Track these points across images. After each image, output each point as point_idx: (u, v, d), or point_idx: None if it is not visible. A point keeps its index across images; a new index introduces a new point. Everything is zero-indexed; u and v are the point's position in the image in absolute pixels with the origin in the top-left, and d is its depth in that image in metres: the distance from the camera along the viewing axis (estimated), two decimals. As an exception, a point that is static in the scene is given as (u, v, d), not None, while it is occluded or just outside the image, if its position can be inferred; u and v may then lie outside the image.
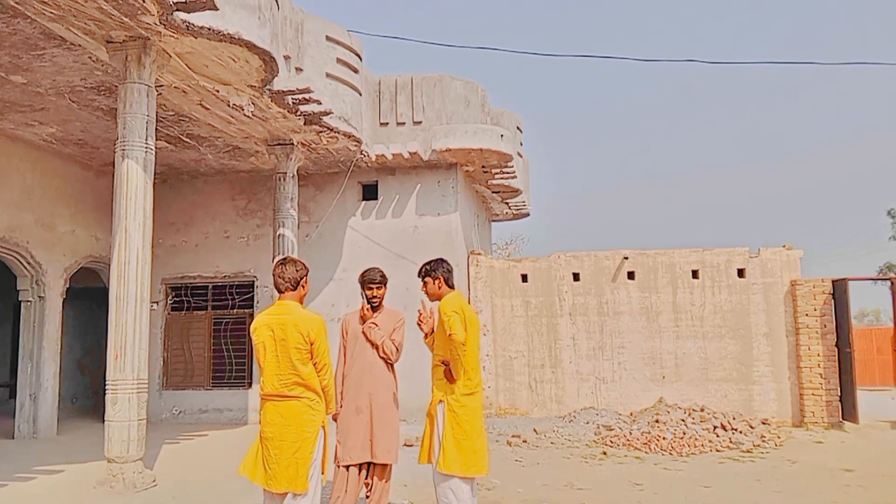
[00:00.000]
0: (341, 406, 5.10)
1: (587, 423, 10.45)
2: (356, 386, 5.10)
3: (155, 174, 7.39)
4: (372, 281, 5.19)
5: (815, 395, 11.02)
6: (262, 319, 4.11)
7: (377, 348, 5.16)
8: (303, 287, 4.18)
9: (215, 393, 12.26)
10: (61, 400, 11.31)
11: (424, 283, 4.82)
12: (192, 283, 12.66)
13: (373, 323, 5.16)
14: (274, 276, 4.19)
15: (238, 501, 6.25)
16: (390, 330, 5.21)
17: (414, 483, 6.79)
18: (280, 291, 4.17)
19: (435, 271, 4.77)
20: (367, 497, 5.12)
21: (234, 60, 7.54)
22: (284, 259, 4.22)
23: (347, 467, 5.02)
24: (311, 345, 4.01)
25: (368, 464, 5.09)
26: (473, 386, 4.65)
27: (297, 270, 4.15)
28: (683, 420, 10.06)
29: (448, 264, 4.85)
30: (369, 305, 5.21)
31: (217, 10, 6.48)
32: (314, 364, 4.06)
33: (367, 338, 5.15)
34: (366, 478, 5.10)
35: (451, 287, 4.79)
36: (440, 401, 4.64)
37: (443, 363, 4.67)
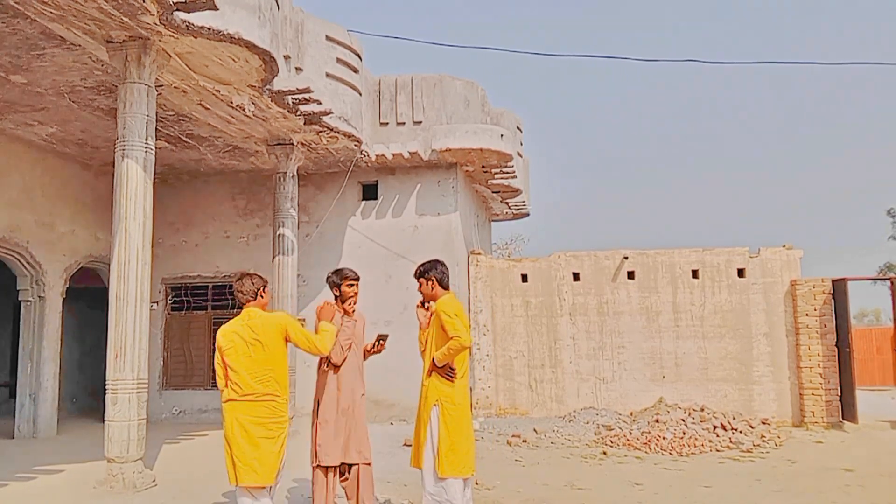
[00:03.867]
0: (318, 406, 5.05)
1: (587, 423, 10.45)
2: (344, 386, 5.06)
3: (155, 174, 7.39)
4: (352, 278, 5.11)
5: (815, 395, 11.03)
6: (231, 328, 4.48)
7: (365, 352, 5.20)
8: (261, 297, 4.58)
9: (215, 393, 12.24)
10: (61, 400, 11.31)
11: (419, 283, 4.90)
12: (192, 283, 12.67)
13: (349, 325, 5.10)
14: (235, 291, 4.57)
15: (237, 502, 6.24)
16: (363, 330, 5.23)
17: (414, 483, 6.78)
18: (242, 304, 4.58)
19: (428, 272, 4.85)
20: (349, 496, 5.10)
21: (234, 60, 7.54)
22: (242, 275, 4.61)
23: (326, 469, 4.98)
24: (287, 331, 4.44)
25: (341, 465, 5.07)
26: (462, 385, 4.75)
27: (253, 283, 4.55)
28: (683, 420, 10.06)
29: (443, 266, 4.90)
30: (347, 303, 5.10)
31: (217, 10, 6.48)
32: (296, 342, 4.48)
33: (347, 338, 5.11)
34: (342, 477, 5.08)
35: (446, 288, 4.84)
36: (434, 404, 4.67)
37: (434, 367, 4.69)
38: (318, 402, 5.06)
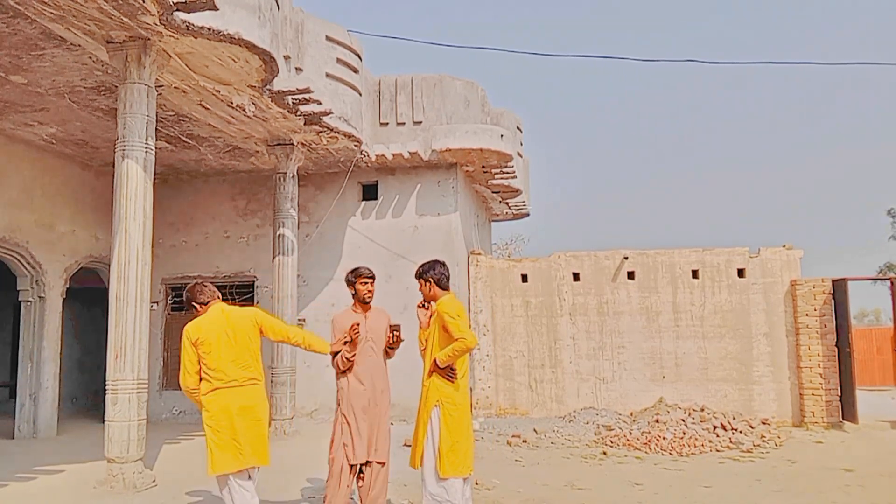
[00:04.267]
0: (340, 407, 5.09)
1: (587, 423, 10.45)
2: (366, 384, 5.08)
3: (155, 174, 7.39)
4: (366, 276, 5.17)
5: (815, 395, 11.02)
6: (205, 321, 4.69)
7: (387, 350, 5.25)
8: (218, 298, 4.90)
9: (215, 393, 12.24)
10: (61, 400, 11.31)
11: (419, 284, 4.94)
12: (192, 283, 12.64)
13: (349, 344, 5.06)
14: (195, 294, 4.86)
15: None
16: (385, 329, 5.24)
17: (414, 483, 6.79)
18: (205, 303, 4.82)
19: (426, 274, 4.88)
20: (363, 496, 5.11)
21: (234, 60, 7.54)
22: (196, 283, 4.95)
23: (351, 466, 5.00)
24: (262, 326, 4.72)
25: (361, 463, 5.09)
26: (463, 385, 4.77)
27: (211, 288, 4.89)
28: (683, 420, 10.05)
29: (442, 267, 4.92)
30: (363, 301, 5.16)
31: (217, 10, 6.48)
32: (271, 335, 4.76)
33: (357, 336, 5.11)
34: (359, 474, 5.09)
35: (445, 289, 4.87)
36: (435, 404, 4.69)
37: (436, 367, 4.71)
38: (339, 403, 5.10)
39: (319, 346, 4.92)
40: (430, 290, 4.85)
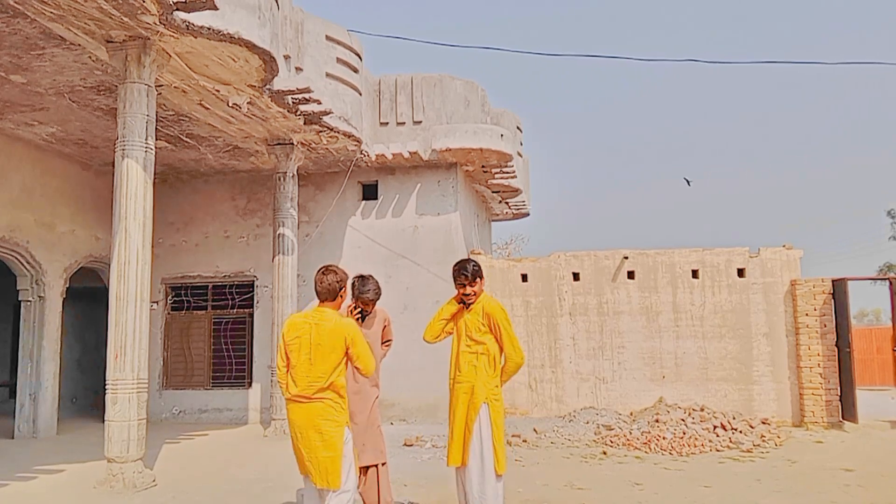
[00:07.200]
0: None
1: (587, 422, 10.45)
2: (361, 391, 5.11)
3: (155, 174, 7.40)
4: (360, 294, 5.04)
5: (815, 395, 11.02)
6: (299, 321, 4.31)
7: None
8: (342, 297, 4.38)
9: (215, 393, 12.26)
10: (61, 399, 11.31)
11: (474, 283, 4.71)
12: (192, 282, 12.66)
13: None
14: (315, 283, 4.36)
15: (237, 501, 6.25)
16: (380, 330, 5.27)
17: (414, 483, 6.79)
18: (320, 300, 4.37)
19: (480, 273, 4.72)
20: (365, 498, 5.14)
21: (233, 60, 7.54)
22: (327, 268, 4.38)
23: (366, 469, 5.05)
24: (349, 347, 4.21)
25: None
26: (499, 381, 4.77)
27: (337, 281, 4.33)
28: (683, 420, 10.05)
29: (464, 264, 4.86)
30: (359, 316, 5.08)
31: (217, 9, 6.48)
32: (352, 357, 4.25)
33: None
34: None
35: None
36: (484, 401, 4.60)
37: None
38: None
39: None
40: (481, 287, 4.75)
